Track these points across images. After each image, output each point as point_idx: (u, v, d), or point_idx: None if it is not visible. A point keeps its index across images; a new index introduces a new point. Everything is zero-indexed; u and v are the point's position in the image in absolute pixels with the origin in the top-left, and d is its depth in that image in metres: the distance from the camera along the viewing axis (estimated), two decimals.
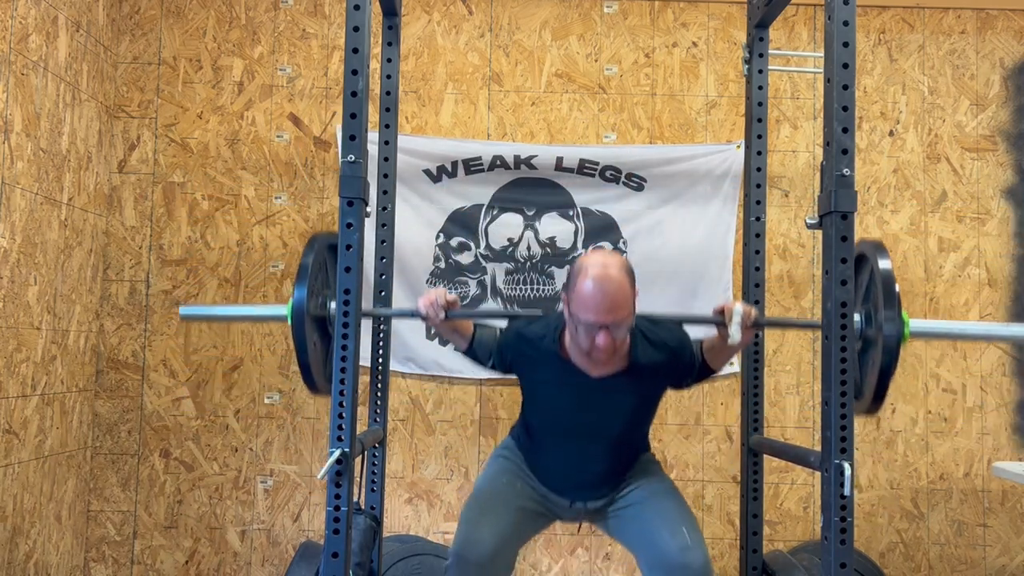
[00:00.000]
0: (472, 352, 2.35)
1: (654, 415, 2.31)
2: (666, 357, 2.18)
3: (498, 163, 3.43)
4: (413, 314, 2.24)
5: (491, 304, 3.44)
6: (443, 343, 3.43)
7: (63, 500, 3.17)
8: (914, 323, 2.04)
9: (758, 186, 2.65)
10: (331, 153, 3.49)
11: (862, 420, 3.44)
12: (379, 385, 2.63)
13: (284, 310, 2.10)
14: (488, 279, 3.45)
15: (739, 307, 2.10)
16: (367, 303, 2.67)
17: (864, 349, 2.09)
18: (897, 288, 1.99)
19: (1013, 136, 3.55)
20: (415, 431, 3.44)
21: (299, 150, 3.48)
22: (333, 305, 2.10)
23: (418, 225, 3.41)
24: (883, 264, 2.01)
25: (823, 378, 2.01)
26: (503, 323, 2.39)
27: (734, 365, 3.40)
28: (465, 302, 3.44)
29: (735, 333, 2.08)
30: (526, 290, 3.43)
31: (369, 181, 2.11)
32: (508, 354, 2.28)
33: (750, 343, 2.34)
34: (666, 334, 2.22)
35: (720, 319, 2.14)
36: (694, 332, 2.29)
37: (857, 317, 2.05)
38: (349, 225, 2.03)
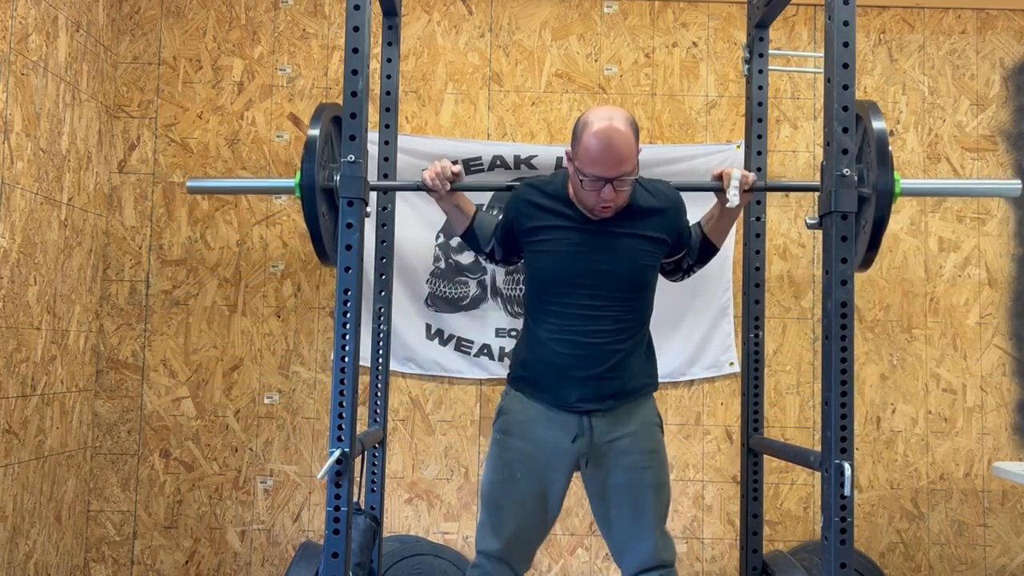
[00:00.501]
0: (472, 233, 2.34)
1: (655, 276, 2.26)
2: (663, 205, 2.22)
3: (498, 163, 3.43)
4: (419, 186, 2.24)
5: (492, 303, 3.44)
6: (443, 343, 3.43)
7: (63, 500, 3.17)
8: (904, 182, 2.10)
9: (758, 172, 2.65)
10: None
11: (862, 420, 3.44)
12: (379, 385, 2.63)
13: (292, 183, 2.16)
14: (488, 279, 3.45)
15: (737, 171, 2.16)
16: (367, 303, 2.67)
17: (858, 210, 2.12)
18: (890, 148, 2.05)
19: (1013, 136, 3.55)
20: (415, 431, 3.44)
21: (299, 150, 3.48)
22: (338, 177, 2.11)
23: (418, 225, 3.41)
24: (877, 124, 2.05)
25: (823, 378, 2.01)
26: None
27: (734, 365, 3.40)
28: (465, 302, 3.44)
29: (733, 196, 2.12)
30: (526, 290, 3.42)
31: (369, 181, 2.12)
32: (512, 210, 2.25)
33: (745, 205, 2.33)
34: (663, 187, 2.26)
35: (719, 184, 2.18)
36: (695, 209, 2.36)
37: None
38: (349, 225, 2.03)
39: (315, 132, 2.13)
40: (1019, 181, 2.26)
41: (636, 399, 2.24)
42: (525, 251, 2.27)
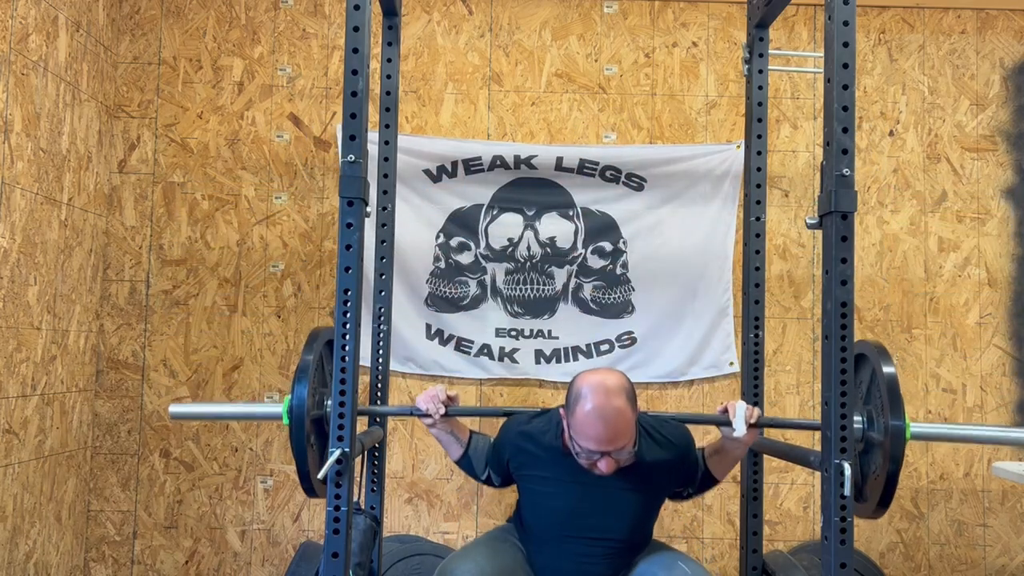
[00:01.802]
0: (467, 459, 2.33)
1: (656, 516, 2.28)
2: (671, 455, 2.19)
3: (498, 163, 3.43)
4: (412, 411, 2.24)
5: (492, 304, 3.44)
6: (443, 343, 3.43)
7: (63, 500, 3.17)
8: (915, 426, 2.04)
9: (758, 186, 2.65)
10: (331, 153, 3.49)
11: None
12: (379, 385, 2.63)
13: (280, 409, 2.05)
14: (488, 279, 3.45)
15: (742, 403, 2.13)
16: (367, 303, 2.67)
17: (866, 450, 2.10)
18: (900, 392, 2.01)
19: (1013, 136, 3.55)
20: (415, 431, 3.44)
21: (299, 150, 3.48)
22: (330, 403, 2.05)
23: (418, 225, 3.41)
24: (887, 369, 2.02)
25: (823, 378, 2.01)
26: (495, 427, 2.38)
27: (734, 365, 3.40)
28: (465, 302, 3.44)
29: (739, 426, 2.10)
30: (526, 290, 3.43)
31: (369, 181, 2.11)
32: (506, 452, 2.25)
33: (750, 444, 2.27)
34: (670, 432, 2.22)
35: (724, 418, 2.15)
36: (697, 436, 2.33)
37: (858, 418, 2.07)
38: (349, 225, 2.03)
39: (308, 358, 2.04)
40: None
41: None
42: (519, 489, 2.28)
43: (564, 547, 2.18)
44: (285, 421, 2.02)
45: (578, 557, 2.17)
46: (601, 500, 2.13)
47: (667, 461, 2.18)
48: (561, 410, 2.12)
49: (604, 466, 2.02)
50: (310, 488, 2.08)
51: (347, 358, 2.00)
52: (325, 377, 2.22)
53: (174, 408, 2.17)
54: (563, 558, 2.19)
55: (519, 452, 2.22)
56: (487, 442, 2.34)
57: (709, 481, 2.30)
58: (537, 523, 2.23)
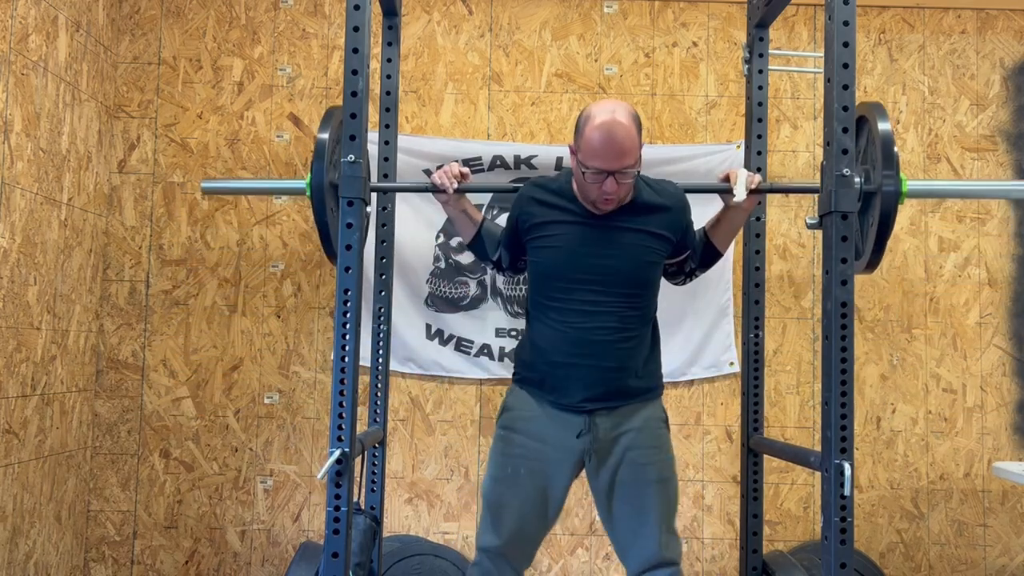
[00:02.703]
0: (480, 240, 2.36)
1: (659, 274, 2.26)
2: (668, 203, 2.23)
3: (498, 163, 3.43)
4: (426, 188, 2.28)
5: (492, 303, 3.44)
6: (443, 343, 3.43)
7: (63, 500, 3.17)
8: (911, 183, 2.10)
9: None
10: None
11: (862, 420, 3.44)
12: (379, 385, 2.63)
13: (303, 184, 2.21)
14: (488, 279, 3.45)
15: (743, 170, 2.20)
16: (367, 303, 2.67)
17: (863, 209, 2.14)
18: (896, 149, 2.07)
19: (1013, 136, 3.55)
20: (415, 431, 3.44)
21: (299, 150, 3.48)
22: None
23: (418, 225, 3.41)
24: (883, 126, 2.07)
25: (823, 378, 2.01)
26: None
27: (734, 365, 3.40)
28: (465, 302, 3.44)
29: (739, 192, 2.15)
30: (526, 291, 3.42)
31: (370, 181, 2.12)
32: (517, 210, 2.26)
33: (751, 211, 2.34)
34: (668, 186, 2.28)
35: (725, 185, 2.21)
36: (699, 211, 2.37)
37: (857, 179, 2.07)
38: (349, 225, 2.03)
39: (324, 135, 2.17)
40: None
41: (641, 399, 2.23)
42: (528, 249, 2.26)
43: (572, 305, 2.16)
44: (308, 193, 2.20)
45: (587, 315, 2.15)
46: (604, 237, 2.16)
47: (664, 207, 2.22)
48: (569, 147, 2.16)
49: (609, 186, 2.06)
50: (332, 253, 2.22)
51: (347, 358, 2.00)
52: (343, 149, 2.29)
53: (206, 184, 2.52)
54: (573, 327, 2.16)
55: (530, 203, 2.24)
56: (497, 226, 2.37)
57: (712, 253, 2.32)
58: (545, 285, 2.22)
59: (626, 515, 2.18)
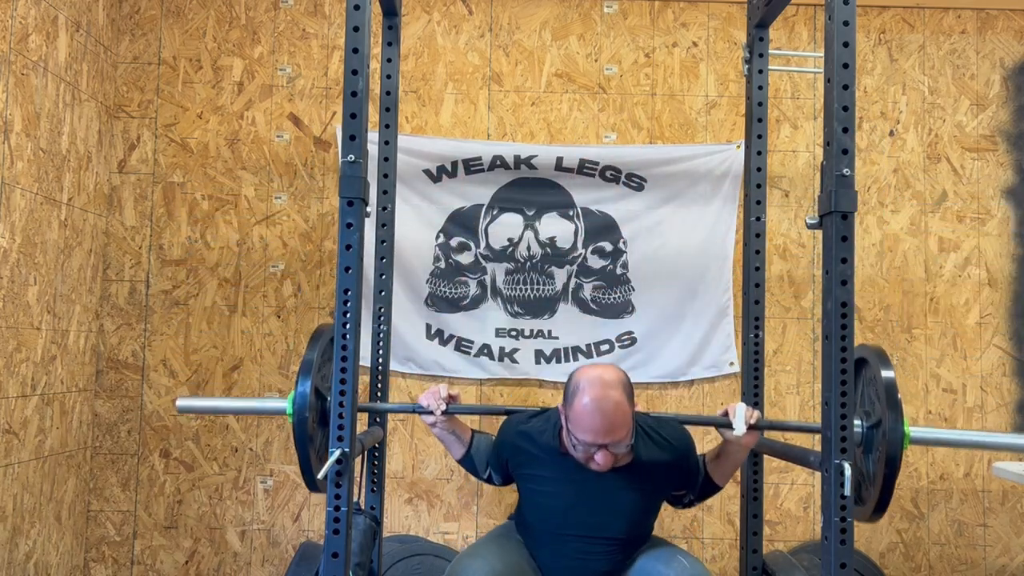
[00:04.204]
0: (469, 459, 2.34)
1: (656, 515, 2.28)
2: (669, 456, 2.19)
3: (498, 163, 3.43)
4: (414, 409, 2.25)
5: (492, 304, 3.44)
6: (443, 343, 3.43)
7: (63, 500, 3.17)
8: (914, 431, 2.03)
9: (758, 186, 2.65)
10: (331, 153, 3.49)
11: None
12: (379, 385, 2.63)
13: (284, 403, 2.08)
14: (488, 279, 3.45)
15: (742, 405, 2.14)
16: (367, 303, 2.67)
17: (866, 450, 2.10)
18: (899, 397, 2.01)
19: (1013, 136, 3.55)
20: (415, 431, 3.44)
21: (299, 150, 3.48)
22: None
23: (418, 225, 3.41)
24: (885, 373, 2.02)
25: (823, 378, 2.01)
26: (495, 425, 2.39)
27: (734, 365, 3.40)
28: (465, 302, 3.44)
29: (739, 426, 2.10)
30: (526, 290, 3.43)
31: (369, 181, 2.11)
32: (505, 452, 2.26)
33: (751, 447, 2.30)
34: (669, 432, 2.22)
35: (724, 420, 2.15)
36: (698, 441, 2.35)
37: (858, 422, 2.07)
38: (349, 225, 2.03)
39: (312, 355, 2.07)
40: None
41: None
42: (518, 487, 2.29)
43: (564, 545, 2.19)
44: (289, 413, 2.04)
45: (577, 554, 2.18)
46: (599, 499, 2.14)
47: (665, 462, 2.18)
48: (559, 407, 2.13)
49: (601, 459, 2.02)
50: (312, 483, 2.08)
51: (347, 358, 2.00)
52: (329, 374, 2.22)
53: (181, 402, 2.21)
54: (563, 556, 2.20)
55: (517, 452, 2.23)
56: (488, 441, 2.34)
57: (710, 487, 2.30)
58: (537, 521, 2.24)
59: (640, 564, 2.21)
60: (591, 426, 2.00)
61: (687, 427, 2.33)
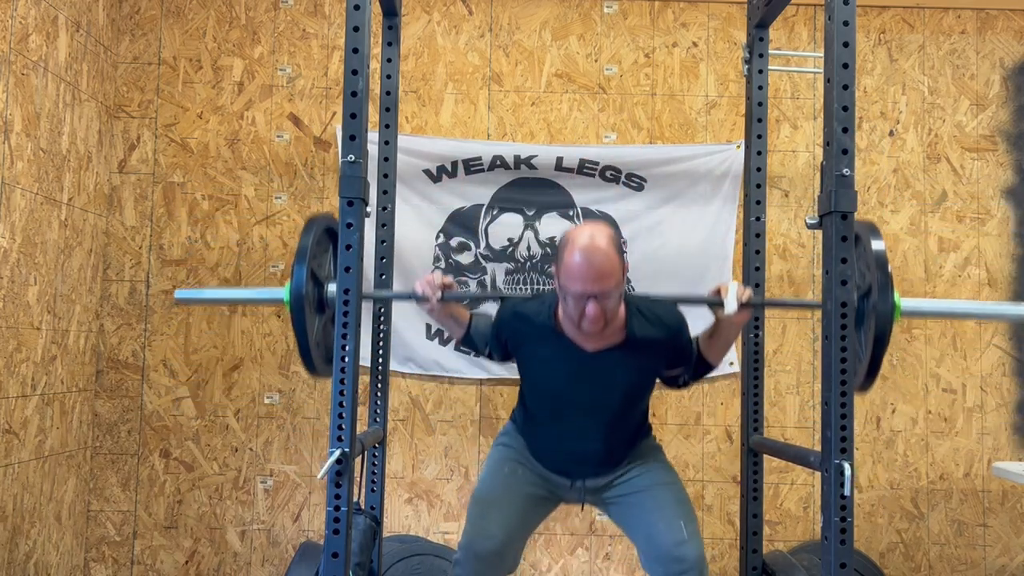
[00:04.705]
0: (469, 339, 2.35)
1: (650, 392, 2.29)
2: (662, 333, 2.20)
3: (498, 163, 3.43)
4: (411, 296, 2.25)
5: (492, 303, 3.44)
6: (443, 343, 3.43)
7: (63, 500, 3.17)
8: (905, 302, 2.06)
9: (758, 186, 2.66)
10: (331, 153, 3.49)
11: (862, 420, 3.44)
12: (379, 385, 2.63)
13: (282, 293, 2.12)
14: (488, 279, 3.45)
15: (734, 283, 2.16)
16: (367, 303, 2.67)
17: (858, 321, 2.12)
18: (889, 268, 2.04)
19: (1013, 136, 3.55)
20: (415, 431, 3.44)
21: (299, 150, 3.48)
22: (331, 287, 2.10)
23: (418, 225, 3.41)
24: (876, 245, 2.05)
25: (823, 378, 2.01)
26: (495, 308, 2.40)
27: (734, 365, 3.40)
28: (464, 302, 3.43)
29: (730, 304, 2.11)
30: (526, 290, 3.43)
31: (369, 181, 2.11)
32: (504, 333, 2.27)
33: (745, 324, 2.33)
34: (662, 311, 2.24)
35: (716, 299, 2.18)
36: (693, 323, 2.32)
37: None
38: (349, 225, 2.03)
39: (306, 242, 2.09)
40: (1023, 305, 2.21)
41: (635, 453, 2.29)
42: (518, 364, 2.30)
43: (562, 423, 2.21)
44: (286, 300, 2.08)
45: (576, 432, 2.20)
46: (594, 375, 2.16)
47: (658, 338, 2.19)
48: (552, 270, 2.16)
49: (592, 310, 2.03)
50: (311, 365, 2.14)
51: (347, 358, 2.00)
52: (326, 259, 2.24)
53: (180, 293, 2.33)
54: (562, 438, 2.22)
55: (515, 332, 2.25)
56: (487, 321, 2.35)
57: (704, 366, 2.30)
58: (536, 401, 2.27)
59: (644, 514, 2.20)
60: (580, 274, 2.01)
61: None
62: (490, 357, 2.38)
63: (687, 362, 2.27)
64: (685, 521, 2.15)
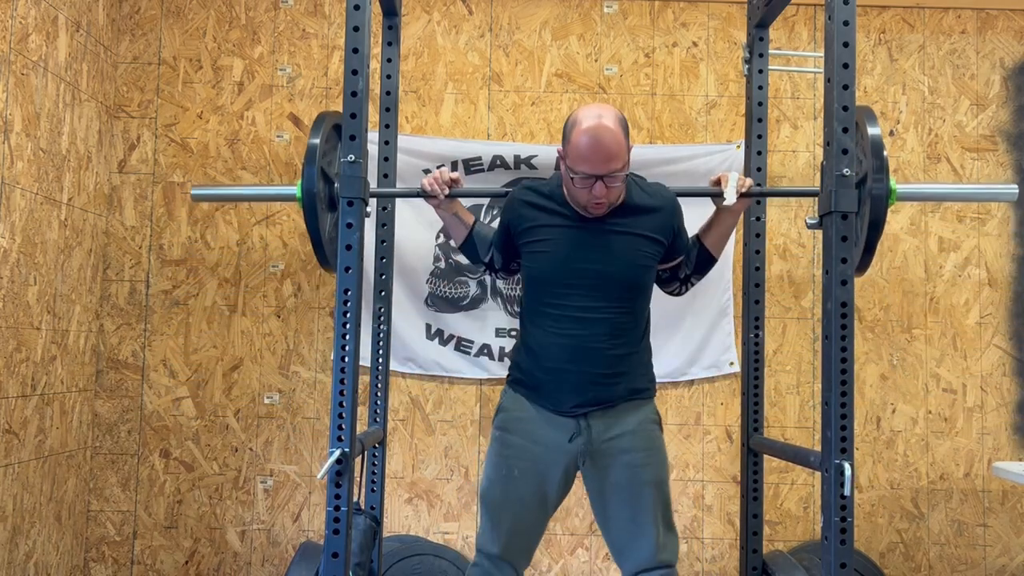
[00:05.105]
0: (471, 242, 2.35)
1: (652, 282, 2.26)
2: (659, 204, 2.22)
3: (498, 163, 3.43)
4: (417, 193, 2.27)
5: (492, 303, 3.44)
6: (443, 343, 3.43)
7: (63, 500, 3.17)
8: (900, 186, 2.12)
9: (758, 186, 2.66)
10: None
11: (862, 420, 3.44)
12: (379, 385, 2.63)
13: (294, 190, 2.19)
14: (488, 279, 3.45)
15: (734, 173, 2.20)
16: (367, 303, 2.67)
17: (857, 211, 2.14)
18: (886, 153, 2.07)
19: (1013, 136, 3.55)
20: (415, 431, 3.44)
21: (299, 150, 3.48)
22: (337, 184, 2.15)
23: (418, 225, 3.41)
24: (872, 130, 2.07)
25: (823, 378, 2.01)
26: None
27: (734, 365, 3.40)
28: (465, 302, 3.44)
29: (730, 195, 2.15)
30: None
31: (369, 181, 2.12)
32: (508, 214, 2.26)
33: (741, 212, 2.34)
34: (660, 189, 2.28)
35: (716, 188, 2.21)
36: (693, 215, 2.37)
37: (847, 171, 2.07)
38: (349, 225, 2.03)
39: (315, 140, 2.15)
40: (1015, 185, 2.25)
41: (634, 401, 2.24)
42: (522, 253, 2.26)
43: (566, 316, 2.16)
44: (298, 197, 2.16)
45: (581, 325, 2.15)
46: (597, 242, 2.16)
47: (655, 208, 2.21)
48: (558, 150, 2.15)
49: (599, 191, 2.06)
50: (323, 258, 2.23)
51: (347, 358, 2.00)
52: (335, 156, 2.27)
53: (196, 190, 2.45)
54: (567, 338, 2.16)
55: (522, 206, 2.24)
56: (489, 228, 2.37)
57: (705, 257, 2.32)
58: (539, 290, 2.22)
59: (623, 518, 2.19)
60: (588, 155, 2.03)
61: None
62: (490, 265, 2.36)
63: (685, 248, 2.30)
64: (665, 527, 2.18)
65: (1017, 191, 2.26)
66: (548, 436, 2.20)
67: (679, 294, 2.46)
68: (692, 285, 2.41)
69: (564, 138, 2.11)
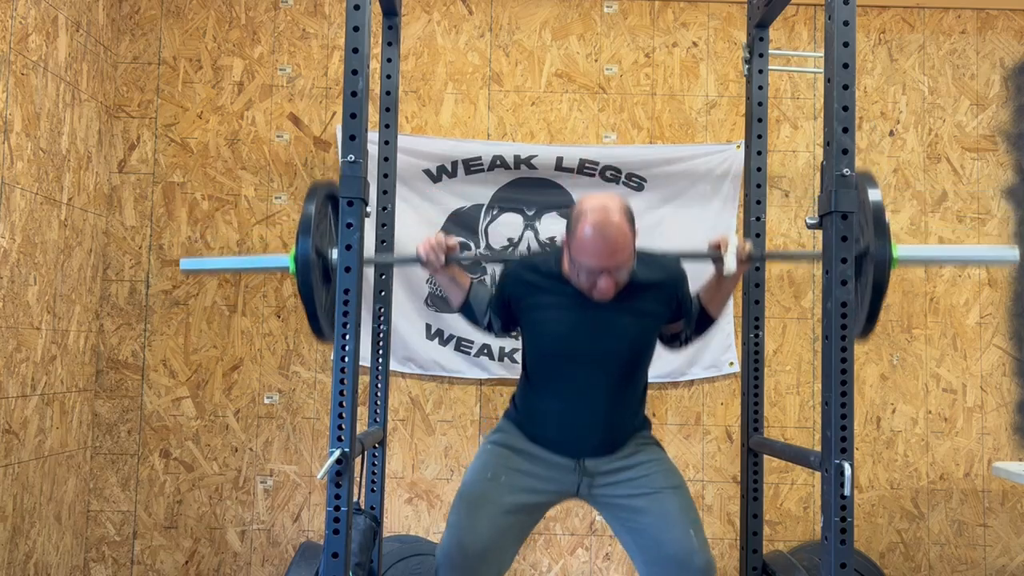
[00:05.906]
0: (468, 306, 2.33)
1: (652, 353, 2.27)
2: (663, 278, 2.21)
3: (498, 163, 3.43)
4: (415, 259, 2.25)
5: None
6: (443, 343, 3.43)
7: (63, 500, 3.17)
8: (902, 248, 2.09)
9: (758, 186, 2.65)
10: (331, 153, 3.49)
11: (862, 420, 3.44)
12: (379, 385, 2.63)
13: (287, 260, 2.13)
14: (488, 279, 3.44)
15: (734, 238, 2.18)
16: (367, 303, 2.67)
17: (856, 272, 2.12)
18: (887, 218, 2.04)
19: (1013, 136, 3.55)
20: (415, 431, 3.44)
21: (299, 150, 3.48)
22: (334, 253, 2.11)
23: (418, 225, 3.41)
24: (873, 196, 2.05)
25: (823, 378, 2.01)
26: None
27: (734, 365, 3.40)
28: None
29: (730, 262, 2.13)
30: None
31: (369, 181, 2.11)
32: (508, 286, 2.25)
33: (741, 276, 2.33)
34: (664, 261, 2.26)
35: (716, 253, 2.19)
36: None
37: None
38: (349, 225, 2.03)
39: (309, 209, 2.09)
40: (1016, 248, 2.21)
41: (631, 440, 2.26)
42: (522, 323, 2.26)
43: (566, 384, 2.18)
44: (292, 271, 2.10)
45: (580, 393, 2.16)
46: (599, 321, 2.15)
47: (659, 283, 2.20)
48: (562, 239, 2.14)
49: (603, 284, 2.04)
50: (319, 329, 2.15)
51: (347, 358, 2.00)
52: (329, 227, 2.24)
53: (185, 263, 2.33)
54: (566, 402, 2.18)
55: (521, 283, 2.23)
56: (487, 289, 2.35)
57: (705, 319, 2.30)
58: (539, 360, 2.23)
59: (651, 519, 2.15)
60: (594, 250, 2.00)
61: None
62: (488, 328, 2.35)
63: (689, 314, 2.28)
64: (695, 529, 2.13)
65: (1018, 255, 2.22)
66: (544, 458, 2.22)
67: (677, 350, 2.47)
68: (690, 343, 2.41)
69: (568, 229, 2.08)
